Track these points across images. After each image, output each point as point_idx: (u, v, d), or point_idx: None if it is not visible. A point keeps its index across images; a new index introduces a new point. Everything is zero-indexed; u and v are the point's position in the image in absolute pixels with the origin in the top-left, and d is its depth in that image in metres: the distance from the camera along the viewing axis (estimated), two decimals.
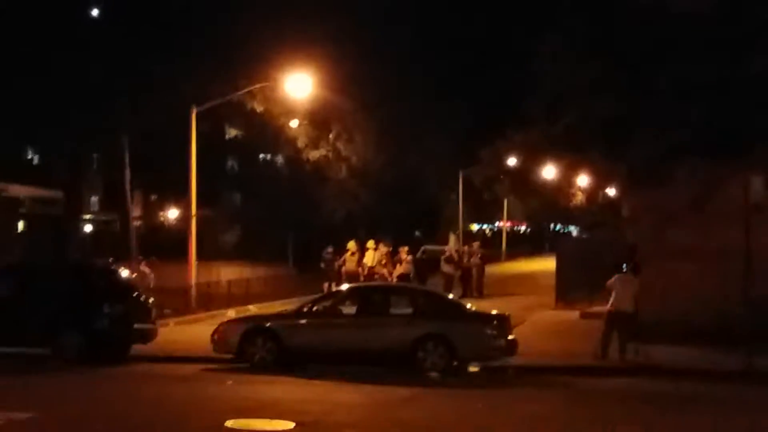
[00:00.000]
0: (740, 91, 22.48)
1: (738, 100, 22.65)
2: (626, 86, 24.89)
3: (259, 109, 38.57)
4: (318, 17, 37.39)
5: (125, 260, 26.30)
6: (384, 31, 44.16)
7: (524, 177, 65.82)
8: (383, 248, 34.87)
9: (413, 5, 47.43)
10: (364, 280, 31.85)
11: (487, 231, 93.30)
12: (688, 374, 19.19)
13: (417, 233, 58.02)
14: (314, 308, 20.65)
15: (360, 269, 33.62)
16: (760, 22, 22.23)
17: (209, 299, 32.45)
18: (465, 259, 39.07)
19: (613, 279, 20.96)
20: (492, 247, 71.44)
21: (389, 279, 32.97)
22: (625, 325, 20.62)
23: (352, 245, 34.56)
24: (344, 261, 34.17)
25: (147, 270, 29.24)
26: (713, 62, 22.42)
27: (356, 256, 34.01)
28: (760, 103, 22.38)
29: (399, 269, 33.89)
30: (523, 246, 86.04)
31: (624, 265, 21.73)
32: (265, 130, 42.95)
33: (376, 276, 33.43)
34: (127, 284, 23.28)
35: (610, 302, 20.88)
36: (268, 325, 20.21)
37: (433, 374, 18.90)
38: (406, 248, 35.01)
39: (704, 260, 22.76)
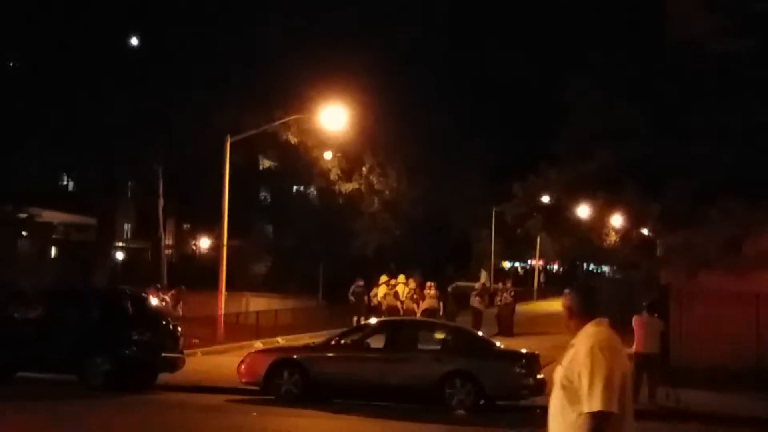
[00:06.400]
0: None
1: None
2: (659, 127, 24.72)
3: (294, 140, 38.61)
4: (354, 52, 37.46)
5: (145, 288, 26.26)
6: (418, 64, 44.26)
7: (557, 215, 65.43)
8: (412, 283, 34.68)
9: (448, 41, 47.50)
10: (388, 314, 31.66)
11: (519, 269, 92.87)
12: (720, 419, 18.88)
13: (448, 268, 57.79)
14: (342, 341, 20.54)
15: (399, 303, 33.42)
16: None
17: (237, 330, 32.38)
18: (498, 297, 38.64)
19: (633, 321, 20.53)
20: (524, 285, 71.17)
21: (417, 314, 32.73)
22: (652, 368, 20.28)
23: (384, 279, 34.55)
24: (376, 295, 34.06)
25: (167, 298, 28.99)
26: (748, 103, 22.23)
27: (391, 290, 33.89)
28: None
29: (423, 304, 33.58)
30: (555, 285, 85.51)
31: (646, 306, 21.17)
32: (299, 161, 42.99)
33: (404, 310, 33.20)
34: (157, 312, 23.24)
35: (635, 345, 20.55)
36: (295, 357, 20.11)
37: (460, 412, 18.67)
38: (430, 283, 34.63)
39: (738, 303, 22.46)
